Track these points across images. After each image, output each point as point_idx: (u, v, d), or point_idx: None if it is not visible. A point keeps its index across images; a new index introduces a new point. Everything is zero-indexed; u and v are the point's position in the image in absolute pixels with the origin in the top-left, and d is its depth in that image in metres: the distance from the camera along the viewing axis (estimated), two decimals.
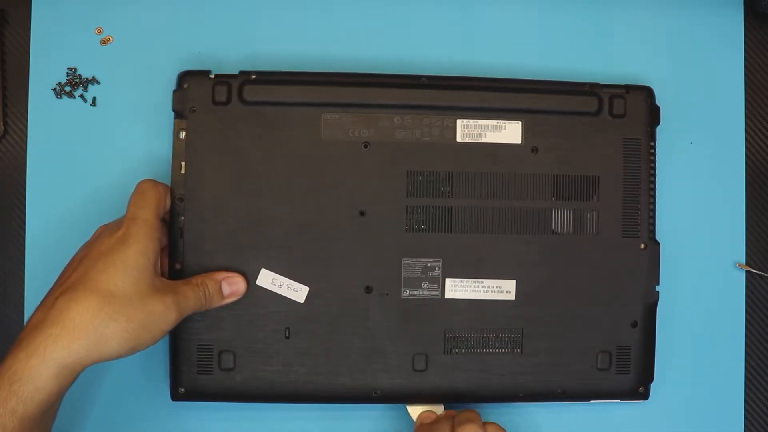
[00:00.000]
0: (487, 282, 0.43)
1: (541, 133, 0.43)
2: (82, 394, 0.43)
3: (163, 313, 0.36)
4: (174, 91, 0.42)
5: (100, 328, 0.33)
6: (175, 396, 0.42)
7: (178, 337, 0.41)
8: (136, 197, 0.38)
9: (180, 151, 0.42)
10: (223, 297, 0.40)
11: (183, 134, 0.42)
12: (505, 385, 0.43)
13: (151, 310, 0.35)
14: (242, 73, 0.42)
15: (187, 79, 0.42)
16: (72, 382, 0.34)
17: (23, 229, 0.44)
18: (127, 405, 0.44)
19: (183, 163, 0.42)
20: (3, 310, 0.44)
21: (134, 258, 0.36)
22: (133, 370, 0.45)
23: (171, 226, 0.41)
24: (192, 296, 0.38)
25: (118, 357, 0.35)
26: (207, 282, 0.40)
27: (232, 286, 0.41)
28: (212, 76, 0.42)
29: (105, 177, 0.44)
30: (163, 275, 0.41)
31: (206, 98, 0.42)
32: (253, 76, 0.42)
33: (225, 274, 0.41)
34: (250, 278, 0.42)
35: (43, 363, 0.32)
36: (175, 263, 0.41)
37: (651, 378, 0.44)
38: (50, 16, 0.44)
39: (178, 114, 0.42)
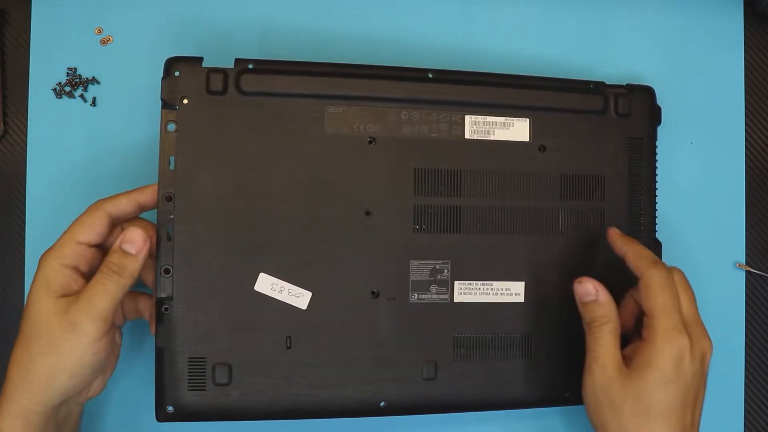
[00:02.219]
0: (496, 284, 0.41)
1: (549, 131, 0.42)
2: None
3: (69, 334, 0.34)
4: (163, 78, 0.38)
5: (32, 375, 0.34)
6: (162, 416, 0.38)
7: (165, 350, 0.37)
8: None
9: (168, 144, 0.38)
10: (135, 257, 0.36)
11: (171, 126, 0.38)
12: (515, 392, 0.42)
13: (53, 339, 0.34)
14: (239, 61, 0.39)
15: (177, 65, 0.38)
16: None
17: (23, 229, 0.43)
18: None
19: (172, 158, 0.38)
20: (3, 310, 0.43)
21: (29, 306, 0.36)
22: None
23: (158, 226, 0.38)
24: (99, 288, 0.35)
25: (75, 392, 0.36)
26: (108, 261, 0.36)
27: (133, 239, 0.36)
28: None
29: (105, 177, 0.43)
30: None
31: (200, 87, 0.38)
32: (250, 65, 0.39)
33: (120, 238, 0.37)
34: (248, 283, 0.38)
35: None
36: (163, 268, 0.37)
37: None
38: (50, 16, 0.44)
39: (166, 104, 0.38)
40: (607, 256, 0.42)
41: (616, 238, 0.40)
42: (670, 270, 0.38)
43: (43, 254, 0.36)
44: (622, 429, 0.36)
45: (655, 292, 0.37)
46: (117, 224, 0.38)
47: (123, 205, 0.37)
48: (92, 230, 0.36)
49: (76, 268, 0.36)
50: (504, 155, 0.42)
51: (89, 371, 0.35)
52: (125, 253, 0.36)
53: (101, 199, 0.37)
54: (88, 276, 0.36)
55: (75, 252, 0.36)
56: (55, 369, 0.34)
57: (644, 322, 0.38)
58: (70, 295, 0.35)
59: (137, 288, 0.40)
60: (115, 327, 0.37)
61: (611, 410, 0.36)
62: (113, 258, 0.36)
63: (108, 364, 0.38)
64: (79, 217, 0.37)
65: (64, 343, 0.34)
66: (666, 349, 0.36)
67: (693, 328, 0.38)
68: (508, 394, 0.42)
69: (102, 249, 0.38)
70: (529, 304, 0.42)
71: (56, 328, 0.34)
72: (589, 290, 0.38)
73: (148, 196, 0.38)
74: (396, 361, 0.40)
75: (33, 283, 0.36)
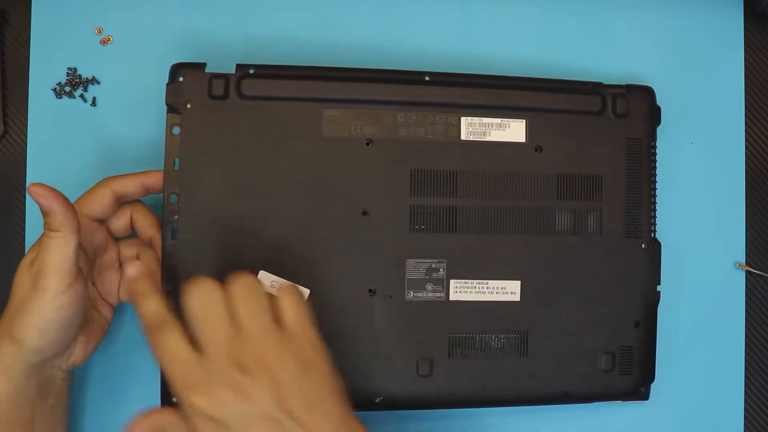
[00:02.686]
0: (492, 283, 0.42)
1: (545, 132, 0.43)
2: None
3: (33, 290, 0.35)
4: (167, 84, 0.40)
5: (9, 331, 0.36)
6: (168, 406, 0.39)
7: None
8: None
9: (173, 146, 0.40)
10: (68, 212, 0.34)
11: (176, 129, 0.40)
12: (511, 390, 0.42)
13: (23, 296, 0.35)
14: (240, 66, 0.40)
15: (181, 71, 0.40)
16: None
17: (23, 229, 0.44)
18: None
19: (177, 160, 0.39)
20: (3, 310, 0.42)
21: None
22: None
23: (163, 226, 0.39)
24: (46, 244, 0.34)
25: (52, 352, 0.37)
26: (45, 221, 0.35)
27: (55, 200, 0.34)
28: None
29: (105, 177, 0.42)
30: None
31: (202, 92, 0.40)
32: (251, 71, 0.40)
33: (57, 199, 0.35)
34: None
35: None
36: (169, 264, 0.39)
37: (652, 378, 0.44)
38: (50, 16, 0.44)
39: (171, 108, 0.40)
40: (602, 255, 0.43)
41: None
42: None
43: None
44: None
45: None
46: (121, 203, 0.40)
47: (128, 185, 0.39)
48: (96, 205, 0.38)
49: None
50: (500, 156, 0.42)
51: (56, 327, 0.35)
52: (67, 207, 0.34)
53: (108, 177, 0.39)
54: (87, 252, 0.38)
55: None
56: (24, 325, 0.35)
57: None
58: None
59: None
60: (82, 282, 0.36)
61: None
62: (53, 220, 0.34)
63: (87, 333, 0.39)
64: (87, 192, 0.39)
65: (29, 300, 0.35)
66: None
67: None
68: (503, 391, 0.42)
69: (104, 224, 0.40)
70: (524, 302, 0.42)
71: (25, 285, 0.36)
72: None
73: (154, 179, 0.40)
74: (392, 358, 0.41)
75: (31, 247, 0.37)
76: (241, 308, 0.33)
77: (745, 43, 0.48)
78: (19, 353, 0.36)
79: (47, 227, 0.35)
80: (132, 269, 0.37)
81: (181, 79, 0.40)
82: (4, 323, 0.36)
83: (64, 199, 0.34)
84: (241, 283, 0.34)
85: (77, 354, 0.39)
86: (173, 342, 0.33)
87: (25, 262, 0.37)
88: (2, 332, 0.36)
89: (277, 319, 0.34)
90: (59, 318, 0.35)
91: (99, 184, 0.39)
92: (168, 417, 0.34)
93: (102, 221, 0.40)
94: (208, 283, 0.34)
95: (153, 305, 0.35)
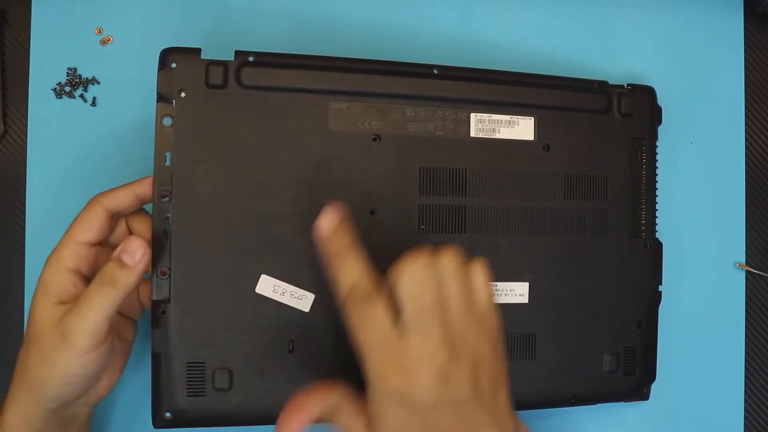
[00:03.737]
0: (501, 285, 0.41)
1: (553, 130, 0.42)
2: None
3: (60, 345, 0.33)
4: (159, 70, 0.36)
5: (28, 380, 0.34)
6: (159, 423, 0.36)
7: (162, 354, 0.36)
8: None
9: (164, 139, 0.36)
10: (131, 270, 0.33)
11: (167, 120, 0.36)
12: (519, 394, 0.41)
13: (45, 348, 0.33)
14: (239, 53, 0.37)
15: (173, 56, 0.37)
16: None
17: (23, 229, 0.43)
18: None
19: (168, 154, 0.36)
20: (3, 310, 0.43)
21: (32, 322, 0.34)
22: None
23: (154, 225, 0.36)
24: (88, 302, 0.33)
25: (72, 398, 0.35)
26: (102, 271, 0.33)
27: (131, 249, 0.34)
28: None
29: (105, 177, 0.42)
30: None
31: (198, 80, 0.37)
32: (251, 58, 0.37)
33: (119, 248, 0.34)
34: (249, 285, 0.37)
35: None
36: (160, 268, 0.36)
37: (653, 378, 0.44)
38: (50, 16, 0.43)
39: (162, 97, 0.36)
40: (607, 255, 0.42)
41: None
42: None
43: (48, 257, 0.35)
44: None
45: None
46: (119, 218, 0.37)
47: (121, 199, 0.36)
48: (90, 229, 0.35)
49: (76, 271, 0.35)
50: (509, 154, 0.41)
51: (81, 381, 0.34)
52: (121, 263, 0.34)
53: (99, 194, 0.36)
54: (91, 278, 0.35)
55: (74, 253, 0.34)
56: (46, 377, 0.33)
57: None
58: (69, 302, 0.34)
59: None
60: (113, 335, 0.36)
61: None
62: (107, 268, 0.34)
63: (112, 367, 0.37)
64: (78, 215, 0.35)
65: (55, 352, 0.33)
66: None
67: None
68: (511, 395, 0.41)
69: (106, 246, 0.37)
70: (533, 304, 0.41)
71: (49, 337, 0.33)
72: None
73: (147, 188, 0.36)
74: None
75: (36, 286, 0.35)
76: (450, 287, 0.32)
77: (745, 43, 0.48)
78: (37, 400, 0.34)
79: (102, 277, 0.33)
80: (325, 222, 0.33)
81: (173, 65, 0.36)
82: (23, 367, 0.34)
83: (149, 257, 0.34)
84: (451, 260, 0.32)
85: (102, 388, 0.37)
86: (380, 319, 0.31)
87: (48, 294, 0.34)
88: (21, 377, 0.34)
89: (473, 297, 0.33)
90: (85, 373, 0.34)
91: (90, 204, 0.36)
92: (336, 398, 0.32)
93: (102, 243, 0.36)
94: (423, 260, 0.32)
95: (356, 270, 0.32)
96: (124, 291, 0.33)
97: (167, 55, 0.37)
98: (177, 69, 0.36)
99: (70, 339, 0.33)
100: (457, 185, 0.40)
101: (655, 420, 0.46)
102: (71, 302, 0.34)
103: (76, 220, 0.35)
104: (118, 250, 0.34)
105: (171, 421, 0.36)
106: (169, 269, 0.36)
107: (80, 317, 0.33)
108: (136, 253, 0.34)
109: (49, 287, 0.34)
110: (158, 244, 0.36)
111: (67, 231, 0.35)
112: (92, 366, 0.34)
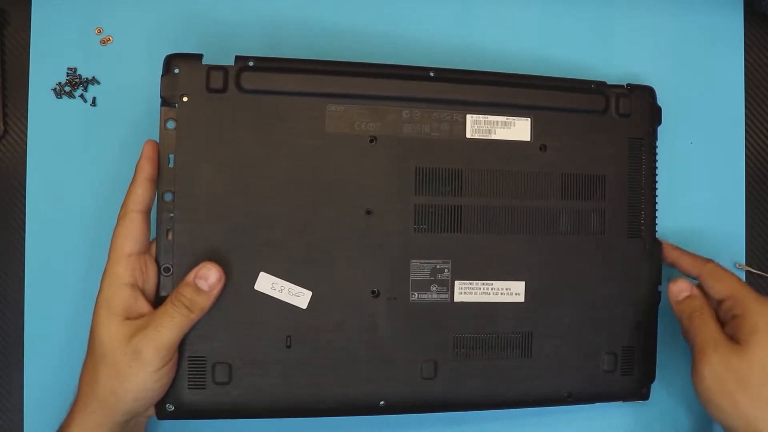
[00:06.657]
0: (496, 284, 0.41)
1: (550, 130, 0.42)
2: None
3: (134, 361, 0.35)
4: (162, 75, 0.38)
5: (98, 395, 0.36)
6: (163, 414, 0.38)
7: None
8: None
9: (167, 142, 0.38)
10: (207, 294, 0.36)
11: (171, 123, 0.38)
12: (515, 392, 0.42)
13: (118, 365, 0.35)
14: (239, 58, 0.39)
15: (176, 62, 0.38)
16: None
17: (23, 229, 0.43)
18: None
19: (171, 156, 0.38)
20: (3, 310, 0.43)
21: (96, 335, 0.36)
22: None
23: (157, 225, 0.38)
24: (167, 321, 0.35)
25: (140, 411, 0.37)
26: (179, 293, 0.36)
27: (207, 275, 0.36)
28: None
29: (105, 177, 0.43)
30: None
31: (200, 85, 0.38)
32: (251, 63, 0.39)
33: (193, 272, 0.36)
34: (248, 282, 0.38)
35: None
36: (163, 266, 0.37)
37: (652, 378, 0.44)
38: (50, 16, 0.44)
39: (166, 101, 0.38)
40: (605, 255, 0.43)
41: (669, 250, 0.44)
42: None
43: (103, 275, 0.36)
44: (754, 400, 0.37)
45: (724, 276, 0.41)
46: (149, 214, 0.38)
47: (143, 194, 0.37)
48: (136, 239, 0.36)
49: (134, 285, 0.36)
50: (505, 155, 0.42)
51: (153, 394, 0.36)
52: (198, 288, 0.36)
53: (124, 202, 0.37)
54: (145, 288, 0.37)
55: (128, 267, 0.36)
56: (119, 392, 0.35)
57: (725, 305, 0.41)
58: (133, 317, 0.36)
59: None
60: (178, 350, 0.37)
61: (739, 384, 0.38)
62: (185, 292, 0.36)
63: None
64: (117, 229, 0.37)
65: (128, 369, 0.35)
66: (764, 310, 0.39)
67: None
68: (507, 393, 0.42)
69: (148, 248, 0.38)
70: (529, 303, 0.42)
71: (120, 354, 0.35)
72: (684, 288, 0.42)
73: (150, 168, 0.37)
74: (395, 361, 0.40)
75: (96, 303, 0.36)
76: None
77: (745, 43, 0.48)
78: (107, 415, 0.35)
79: (179, 299, 0.35)
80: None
81: (176, 70, 0.38)
82: (93, 383, 0.35)
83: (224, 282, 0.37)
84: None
85: (159, 396, 0.38)
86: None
87: (113, 312, 0.36)
88: (88, 392, 0.35)
89: None
90: (158, 387, 0.36)
91: (124, 215, 0.37)
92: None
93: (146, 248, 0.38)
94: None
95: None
96: (200, 314, 0.36)
97: (170, 61, 0.38)
98: (179, 74, 0.38)
99: (145, 356, 0.34)
100: (452, 185, 0.41)
101: (655, 420, 0.46)
102: (136, 317, 0.36)
103: (117, 234, 0.36)
104: (192, 274, 0.36)
105: (173, 413, 0.38)
106: (172, 266, 0.37)
107: (157, 334, 0.35)
108: (210, 278, 0.36)
109: (113, 305, 0.35)
110: (161, 243, 0.37)
111: (113, 247, 0.36)
112: (163, 380, 0.36)
